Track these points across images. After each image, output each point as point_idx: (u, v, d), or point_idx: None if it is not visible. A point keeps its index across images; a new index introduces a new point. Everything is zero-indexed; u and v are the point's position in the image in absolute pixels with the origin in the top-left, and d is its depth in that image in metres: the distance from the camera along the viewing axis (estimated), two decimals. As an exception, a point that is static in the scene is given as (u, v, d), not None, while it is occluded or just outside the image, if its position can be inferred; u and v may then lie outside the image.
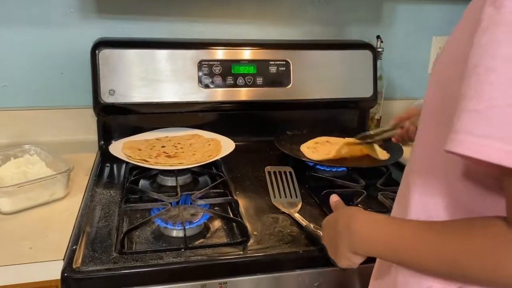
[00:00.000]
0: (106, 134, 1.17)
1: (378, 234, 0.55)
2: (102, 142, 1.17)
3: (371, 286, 0.64)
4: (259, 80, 1.18)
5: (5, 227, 0.80)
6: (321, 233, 0.74)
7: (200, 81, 1.15)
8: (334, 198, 0.72)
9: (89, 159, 1.11)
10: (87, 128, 1.26)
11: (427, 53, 1.45)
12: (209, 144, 1.10)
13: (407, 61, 1.43)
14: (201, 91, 1.15)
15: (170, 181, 1.00)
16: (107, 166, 1.08)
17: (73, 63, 1.21)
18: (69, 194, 0.92)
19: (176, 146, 1.09)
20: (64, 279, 0.66)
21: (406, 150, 1.05)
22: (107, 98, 1.10)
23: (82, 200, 0.90)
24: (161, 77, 1.13)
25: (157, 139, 1.14)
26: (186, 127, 1.20)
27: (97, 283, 0.68)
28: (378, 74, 1.28)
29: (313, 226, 0.77)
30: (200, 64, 1.14)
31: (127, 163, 1.02)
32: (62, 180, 0.89)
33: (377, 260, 0.63)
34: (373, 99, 1.26)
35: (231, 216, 0.85)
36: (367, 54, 1.25)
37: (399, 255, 0.51)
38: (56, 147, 1.07)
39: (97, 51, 1.08)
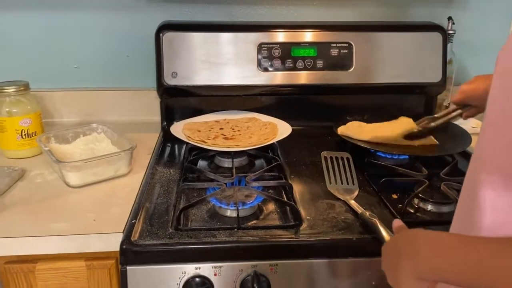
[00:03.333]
0: (169, 115, 1.21)
1: (447, 255, 0.47)
2: (165, 123, 1.20)
3: None
4: (320, 63, 1.15)
5: (72, 199, 0.85)
6: (376, 221, 0.72)
7: (259, 64, 1.14)
8: (396, 223, 0.66)
9: (151, 139, 1.15)
10: (151, 109, 1.30)
11: (504, 36, 1.33)
12: (266, 128, 1.10)
13: (481, 45, 1.33)
14: (260, 74, 1.15)
15: (226, 163, 1.02)
16: (168, 146, 1.11)
17: (140, 46, 1.26)
18: (131, 171, 0.96)
19: (233, 129, 1.10)
20: (122, 251, 0.70)
21: (475, 139, 0.99)
22: (170, 80, 1.13)
23: (143, 177, 0.94)
24: (222, 60, 1.14)
25: (216, 121, 1.15)
26: (244, 110, 1.21)
27: (152, 257, 0.71)
28: (448, 58, 1.21)
29: (369, 214, 0.75)
30: (260, 47, 1.14)
31: (187, 143, 1.05)
32: (126, 158, 0.93)
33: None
34: (441, 85, 1.19)
35: (285, 199, 0.84)
36: (436, 36, 1.17)
37: (475, 279, 0.44)
38: (122, 126, 1.12)
39: (161, 34, 1.11)
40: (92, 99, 1.29)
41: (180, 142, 1.07)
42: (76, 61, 1.27)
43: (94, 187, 0.90)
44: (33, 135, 1.02)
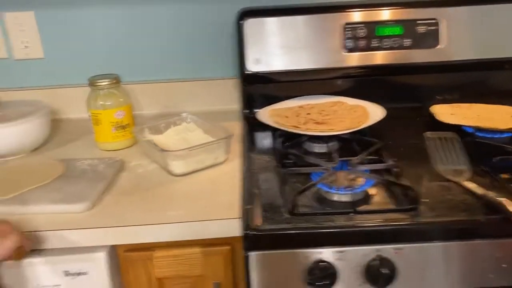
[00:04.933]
0: (250, 103, 1.20)
1: None
2: (246, 111, 1.20)
3: None
4: (407, 42, 1.11)
5: (179, 187, 0.86)
6: (504, 201, 0.68)
7: (344, 45, 1.11)
8: None
9: (234, 127, 1.14)
10: (228, 98, 1.30)
11: None
12: (355, 111, 1.07)
13: None
14: (344, 56, 1.12)
15: (317, 148, 1.00)
16: (255, 133, 1.11)
17: (215, 35, 1.26)
18: (227, 158, 0.96)
19: (321, 113, 1.08)
20: (245, 236, 0.69)
21: None
22: (252, 67, 1.12)
23: (242, 164, 0.94)
24: (304, 44, 1.12)
25: (299, 107, 1.14)
26: (325, 94, 1.18)
27: (274, 242, 0.70)
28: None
29: (493, 194, 0.71)
30: (343, 28, 1.11)
31: (274, 130, 1.04)
32: (224, 145, 0.93)
33: None
34: (535, 59, 1.13)
35: (399, 182, 0.81)
36: (531, 7, 1.11)
37: None
38: (200, 116, 1.12)
39: (243, 21, 1.10)
40: (170, 90, 1.30)
41: (265, 128, 1.06)
42: (154, 53, 1.28)
43: (197, 175, 0.90)
44: (126, 127, 1.04)
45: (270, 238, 0.69)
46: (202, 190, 0.84)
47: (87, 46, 1.26)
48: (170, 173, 0.90)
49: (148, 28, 1.25)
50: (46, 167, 0.91)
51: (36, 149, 1.07)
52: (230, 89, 1.29)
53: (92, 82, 1.01)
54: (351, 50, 1.12)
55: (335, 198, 0.79)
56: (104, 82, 1.01)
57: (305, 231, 0.69)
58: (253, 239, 0.69)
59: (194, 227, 0.74)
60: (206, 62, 1.29)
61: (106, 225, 0.75)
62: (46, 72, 1.27)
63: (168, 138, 1.02)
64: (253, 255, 0.69)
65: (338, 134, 0.97)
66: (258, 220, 0.71)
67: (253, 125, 1.13)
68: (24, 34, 1.24)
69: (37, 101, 1.10)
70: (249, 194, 0.79)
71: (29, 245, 0.72)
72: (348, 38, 1.11)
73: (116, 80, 1.02)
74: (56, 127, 1.21)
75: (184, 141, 1.00)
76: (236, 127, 1.16)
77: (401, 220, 0.71)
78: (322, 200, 0.79)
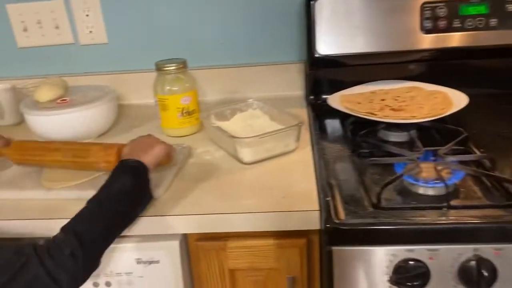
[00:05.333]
0: (316, 89, 1.14)
1: None
2: (312, 96, 1.14)
3: None
4: (493, 22, 1.01)
5: (250, 176, 0.82)
6: None
7: (422, 26, 1.03)
8: None
9: (299, 114, 1.09)
10: (292, 83, 1.25)
11: None
12: (435, 97, 0.99)
13: None
14: (423, 38, 1.03)
15: (394, 136, 0.93)
16: (323, 120, 1.05)
17: (283, 17, 1.21)
18: (297, 146, 0.91)
19: (396, 99, 1.01)
20: (327, 230, 0.64)
21: None
22: (322, 50, 1.06)
23: (312, 152, 0.89)
24: (378, 25, 1.04)
25: (371, 92, 1.07)
26: (399, 79, 1.10)
27: (359, 237, 0.65)
28: None
29: None
30: (422, 7, 1.02)
31: (343, 116, 0.98)
32: (295, 133, 0.89)
33: None
34: None
35: (496, 174, 0.73)
36: None
37: None
38: (266, 102, 1.08)
39: (314, 1, 1.04)
40: (234, 76, 1.26)
41: (333, 115, 1.01)
42: (218, 38, 1.25)
43: (267, 163, 0.86)
44: (193, 112, 1.02)
45: (355, 233, 0.64)
46: (274, 179, 0.80)
47: (150, 31, 1.25)
48: (239, 160, 0.87)
49: (211, 12, 1.22)
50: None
51: (102, 135, 1.07)
52: (294, 74, 1.24)
53: (159, 67, 0.99)
54: (429, 31, 1.03)
55: (421, 191, 0.72)
56: (172, 67, 0.98)
57: (394, 227, 0.64)
58: (336, 234, 0.64)
59: (270, 218, 0.70)
60: (271, 46, 1.24)
61: (178, 213, 0.72)
62: (110, 57, 1.28)
63: (234, 125, 0.99)
64: (336, 250, 0.64)
65: (419, 122, 0.90)
66: (341, 213, 0.66)
67: (319, 112, 1.08)
68: (89, 19, 1.24)
69: (104, 86, 1.10)
70: (327, 185, 0.74)
71: (174, 150, 0.82)
72: (426, 18, 1.03)
73: (183, 65, 1.00)
74: (121, 112, 1.20)
75: (250, 128, 0.96)
76: (302, 114, 1.11)
77: (502, 217, 0.63)
78: (406, 193, 0.73)
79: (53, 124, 0.97)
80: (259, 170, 0.84)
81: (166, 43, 1.25)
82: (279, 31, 1.22)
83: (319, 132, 0.98)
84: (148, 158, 0.72)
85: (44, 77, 1.22)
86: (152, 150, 0.74)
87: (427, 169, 0.74)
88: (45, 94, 1.00)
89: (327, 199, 0.70)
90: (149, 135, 0.81)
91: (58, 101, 1.01)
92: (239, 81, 1.26)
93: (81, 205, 0.75)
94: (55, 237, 0.60)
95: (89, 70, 1.29)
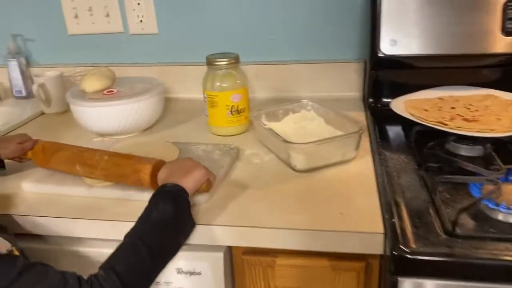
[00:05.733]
0: (376, 91, 1.05)
1: None
2: (371, 99, 1.05)
3: None
4: None
5: (303, 185, 0.75)
6: None
7: (503, 27, 0.91)
8: None
9: (357, 118, 1.00)
10: (349, 84, 1.17)
11: None
12: (515, 108, 0.87)
13: None
14: (503, 40, 0.92)
15: (465, 150, 0.82)
16: (383, 126, 0.96)
17: (342, 11, 1.12)
18: (356, 155, 0.83)
19: (468, 108, 0.90)
20: (393, 257, 0.56)
21: None
22: (386, 50, 0.97)
23: (373, 163, 0.80)
24: (451, 24, 0.93)
25: (439, 99, 0.96)
26: (470, 85, 0.99)
27: (429, 269, 0.56)
28: None
29: None
30: (505, 7, 0.91)
31: (406, 124, 0.89)
32: (354, 141, 0.80)
33: None
34: None
35: None
36: None
37: None
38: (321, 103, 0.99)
39: (380, -4, 0.95)
40: (285, 73, 1.19)
41: (395, 121, 0.92)
42: (271, 32, 1.17)
43: (322, 172, 0.78)
44: (242, 111, 0.95)
45: (427, 264, 0.55)
46: (331, 191, 0.72)
47: (201, 23, 1.19)
48: (292, 167, 0.79)
49: (265, 4, 1.15)
50: (162, 150, 0.86)
51: (147, 129, 1.02)
52: (351, 74, 1.16)
53: (210, 61, 0.93)
54: (510, 33, 0.92)
55: (501, 217, 0.62)
56: (223, 62, 0.92)
57: (474, 261, 0.54)
58: (404, 263, 0.56)
59: (325, 236, 0.63)
60: (328, 42, 1.16)
61: (223, 222, 0.66)
62: (159, 48, 1.23)
63: (286, 127, 0.92)
64: (403, 281, 0.56)
65: (498, 137, 0.79)
66: (410, 239, 0.58)
67: (379, 117, 0.99)
68: (140, 8, 1.20)
69: (152, 79, 1.06)
70: (390, 203, 0.66)
71: (214, 177, 0.71)
72: (510, 19, 0.91)
73: (235, 60, 0.93)
74: (167, 106, 1.16)
75: (303, 131, 0.89)
76: (359, 118, 1.02)
77: None
78: (483, 218, 0.63)
79: (98, 116, 0.93)
80: (313, 179, 0.77)
81: (216, 35, 1.19)
82: (339, 26, 1.14)
83: (380, 140, 0.89)
84: (188, 182, 0.65)
85: (92, 66, 1.20)
86: (192, 174, 0.66)
87: (507, 191, 0.64)
88: (92, 84, 0.97)
89: (393, 220, 0.62)
90: (189, 158, 0.73)
91: (105, 92, 0.97)
92: (290, 78, 1.19)
93: (122, 205, 0.71)
94: (96, 274, 0.55)
95: (138, 61, 1.25)
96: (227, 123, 0.95)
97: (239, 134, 0.97)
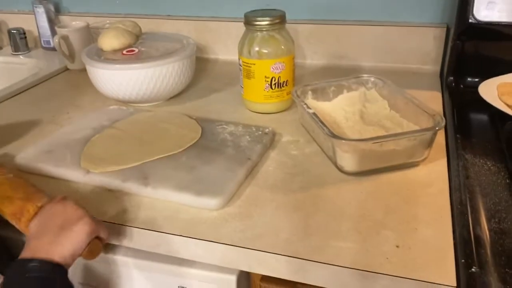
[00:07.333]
0: (460, 68, 0.82)
1: None
2: (452, 78, 0.83)
3: None
4: None
5: (349, 195, 0.57)
6: None
7: None
8: None
9: (430, 101, 0.79)
10: (423, 55, 0.94)
11: None
12: None
13: None
14: None
15: None
16: (466, 116, 0.74)
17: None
18: (427, 157, 0.63)
19: None
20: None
21: None
22: (481, 14, 0.73)
23: (449, 171, 0.61)
24: None
25: (547, 84, 0.72)
26: None
27: None
28: None
29: None
30: None
31: (499, 115, 0.67)
32: (426, 138, 0.60)
33: None
34: None
35: None
36: None
37: None
38: (387, 78, 0.78)
39: None
40: (345, 36, 0.98)
41: (483, 110, 0.71)
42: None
43: (377, 178, 0.60)
44: (284, 85, 0.77)
45: None
46: (387, 209, 0.54)
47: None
48: (338, 167, 0.62)
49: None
50: (182, 128, 0.71)
51: (172, 98, 0.87)
52: (428, 42, 0.93)
53: (249, 20, 0.74)
54: None
55: None
56: (265, 22, 0.73)
57: None
58: None
59: (371, 279, 0.46)
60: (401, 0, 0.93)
61: (241, 238, 0.51)
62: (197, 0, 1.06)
63: (337, 109, 0.73)
64: None
65: None
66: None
67: (461, 102, 0.77)
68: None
69: (184, 37, 0.89)
70: (472, 239, 0.47)
71: (106, 234, 0.51)
72: None
73: (280, 20, 0.74)
74: (202, 69, 1.00)
75: (360, 116, 0.70)
76: (435, 101, 0.81)
77: None
78: None
79: (113, 80, 0.79)
80: (364, 188, 0.58)
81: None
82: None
83: (460, 136, 0.68)
84: (63, 246, 0.46)
85: (123, 17, 1.06)
86: (70, 232, 0.47)
87: None
88: (109, 41, 0.82)
89: (473, 270, 0.43)
90: (70, 202, 0.50)
91: (124, 51, 0.82)
92: (350, 43, 0.98)
93: (121, 200, 0.57)
94: None
95: (173, 13, 1.08)
96: (265, 99, 0.78)
97: (279, 112, 0.80)
